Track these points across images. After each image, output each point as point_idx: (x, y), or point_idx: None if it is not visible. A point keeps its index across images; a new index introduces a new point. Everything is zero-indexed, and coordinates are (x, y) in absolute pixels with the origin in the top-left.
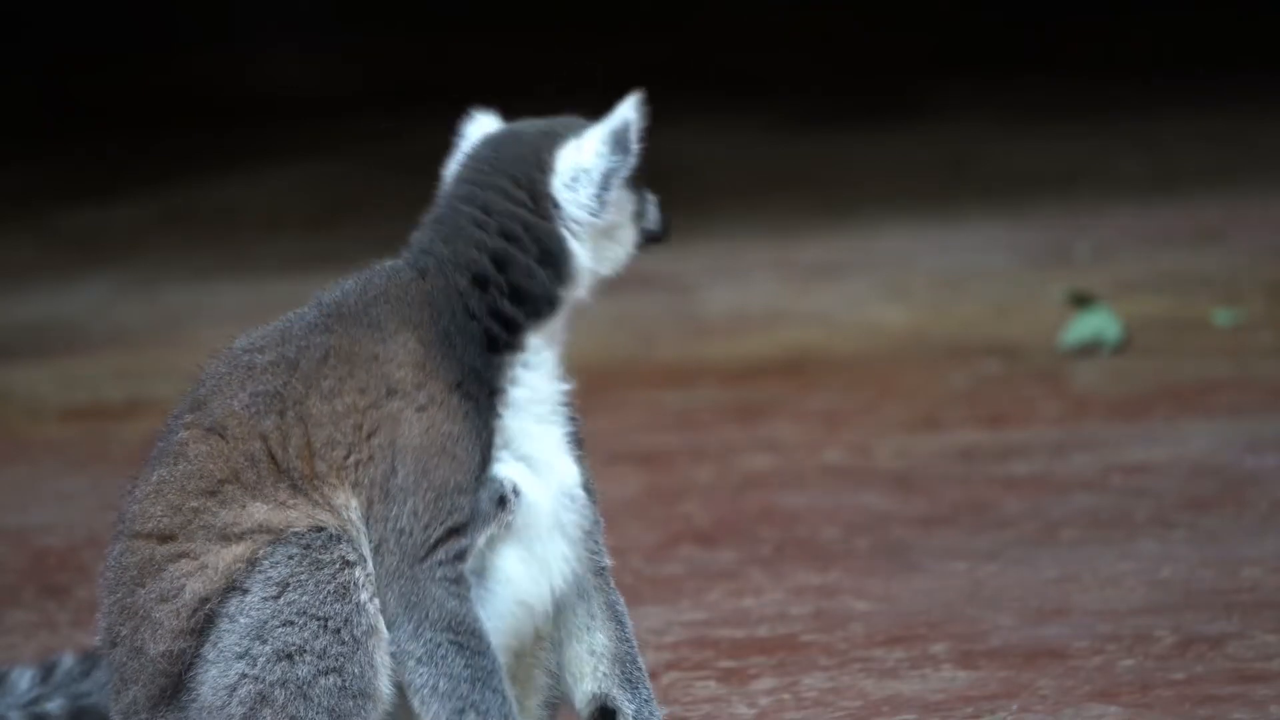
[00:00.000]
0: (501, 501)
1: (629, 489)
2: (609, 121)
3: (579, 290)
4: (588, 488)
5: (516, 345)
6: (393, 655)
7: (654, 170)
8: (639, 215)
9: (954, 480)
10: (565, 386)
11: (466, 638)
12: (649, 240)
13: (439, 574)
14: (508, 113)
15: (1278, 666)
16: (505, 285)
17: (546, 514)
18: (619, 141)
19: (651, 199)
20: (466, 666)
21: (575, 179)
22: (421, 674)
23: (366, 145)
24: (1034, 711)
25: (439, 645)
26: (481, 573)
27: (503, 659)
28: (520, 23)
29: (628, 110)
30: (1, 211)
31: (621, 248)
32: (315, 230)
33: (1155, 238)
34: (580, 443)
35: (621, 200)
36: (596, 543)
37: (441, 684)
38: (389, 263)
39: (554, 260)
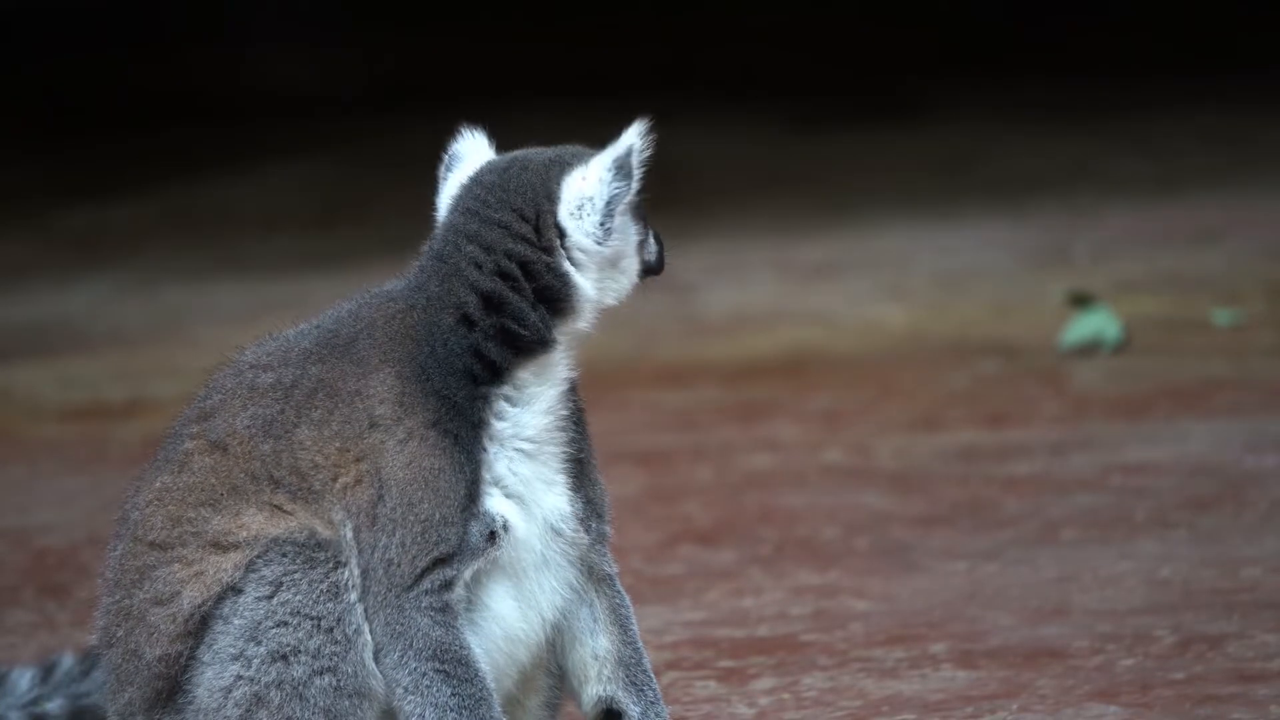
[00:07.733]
0: (492, 536)
1: (629, 489)
2: (613, 148)
3: (580, 323)
4: (597, 506)
5: (500, 380)
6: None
7: (654, 170)
8: (643, 244)
9: (954, 480)
10: (562, 414)
11: (453, 666)
12: (647, 273)
13: (424, 603)
14: (507, 112)
15: (1278, 666)
16: (491, 327)
17: (534, 550)
18: (622, 167)
19: (653, 230)
20: (454, 695)
21: (581, 206)
22: (410, 702)
23: (366, 145)
24: (1034, 711)
25: (424, 674)
26: (470, 609)
27: (505, 684)
28: (519, 22)
29: (632, 136)
30: (1, 211)
31: (626, 278)
32: (314, 230)
33: (1155, 238)
34: (585, 463)
35: (625, 228)
36: (602, 551)
37: (429, 713)
38: (387, 287)
39: (553, 295)
